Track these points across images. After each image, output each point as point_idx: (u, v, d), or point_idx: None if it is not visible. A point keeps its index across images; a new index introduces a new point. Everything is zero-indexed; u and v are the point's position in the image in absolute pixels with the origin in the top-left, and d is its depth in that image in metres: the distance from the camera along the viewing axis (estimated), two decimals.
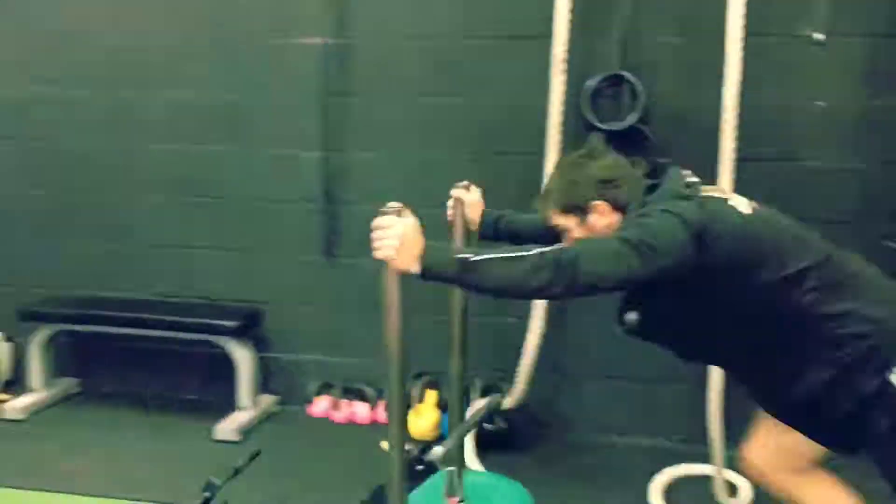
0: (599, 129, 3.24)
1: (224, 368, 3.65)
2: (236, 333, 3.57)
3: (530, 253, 1.65)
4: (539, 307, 3.07)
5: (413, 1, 3.53)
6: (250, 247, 3.81)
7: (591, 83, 3.27)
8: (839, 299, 1.77)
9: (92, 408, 3.86)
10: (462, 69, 3.52)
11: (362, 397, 3.76)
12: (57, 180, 3.94)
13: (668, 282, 1.73)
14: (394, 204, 1.64)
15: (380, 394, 3.73)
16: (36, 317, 3.76)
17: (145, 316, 3.66)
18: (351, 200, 3.68)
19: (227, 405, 3.65)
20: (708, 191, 1.88)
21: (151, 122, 3.82)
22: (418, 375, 3.68)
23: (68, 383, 3.98)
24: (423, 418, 3.53)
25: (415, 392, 3.61)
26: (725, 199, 1.88)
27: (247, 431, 3.55)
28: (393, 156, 3.63)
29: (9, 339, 3.98)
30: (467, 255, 1.64)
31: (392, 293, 1.62)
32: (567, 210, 1.89)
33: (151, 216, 3.88)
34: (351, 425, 3.71)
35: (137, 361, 3.97)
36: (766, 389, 1.97)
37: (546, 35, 3.03)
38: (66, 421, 3.71)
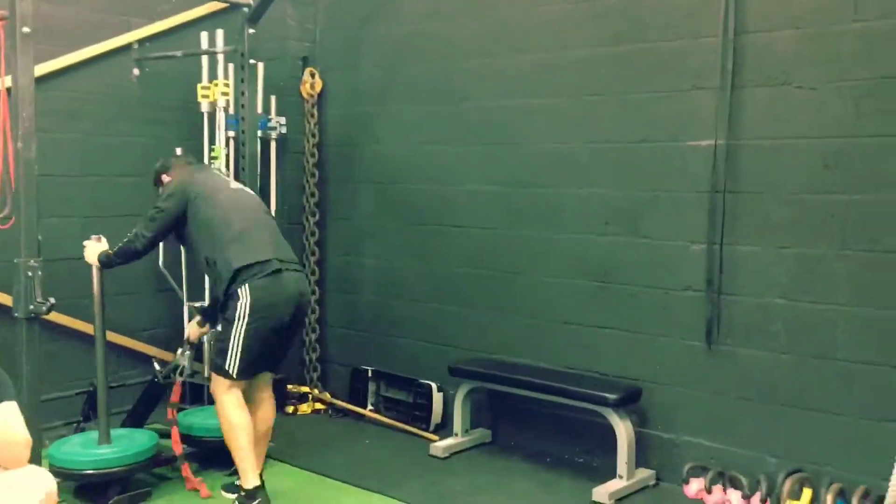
0: None
1: (609, 437, 4.02)
2: (616, 405, 3.93)
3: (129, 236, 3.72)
4: None
5: (803, 105, 3.63)
6: (637, 328, 4.15)
7: None
8: (228, 242, 3.56)
9: (498, 457, 4.49)
10: (850, 167, 3.52)
11: (736, 485, 3.82)
12: (491, 261, 4.73)
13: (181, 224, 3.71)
14: (95, 236, 3.89)
15: (755, 485, 3.76)
16: (460, 373, 4.54)
17: (543, 382, 4.21)
18: (734, 291, 3.85)
19: (608, 472, 4.01)
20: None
21: (564, 214, 4.41)
22: (794, 472, 3.64)
23: (483, 433, 4.70)
24: None
25: (788, 486, 3.58)
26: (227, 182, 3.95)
27: (619, 499, 3.87)
28: (777, 251, 3.72)
29: (440, 389, 4.85)
30: (111, 251, 3.76)
31: (96, 278, 3.87)
32: (155, 183, 4.04)
33: (559, 296, 4.46)
34: None
35: (537, 421, 4.54)
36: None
37: None
38: (476, 465, 4.40)
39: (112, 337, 4.74)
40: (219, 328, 3.57)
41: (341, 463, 4.32)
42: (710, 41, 3.83)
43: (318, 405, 5.31)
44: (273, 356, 3.74)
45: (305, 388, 5.41)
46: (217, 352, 3.57)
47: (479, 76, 4.71)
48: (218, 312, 3.71)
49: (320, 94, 5.42)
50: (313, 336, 5.47)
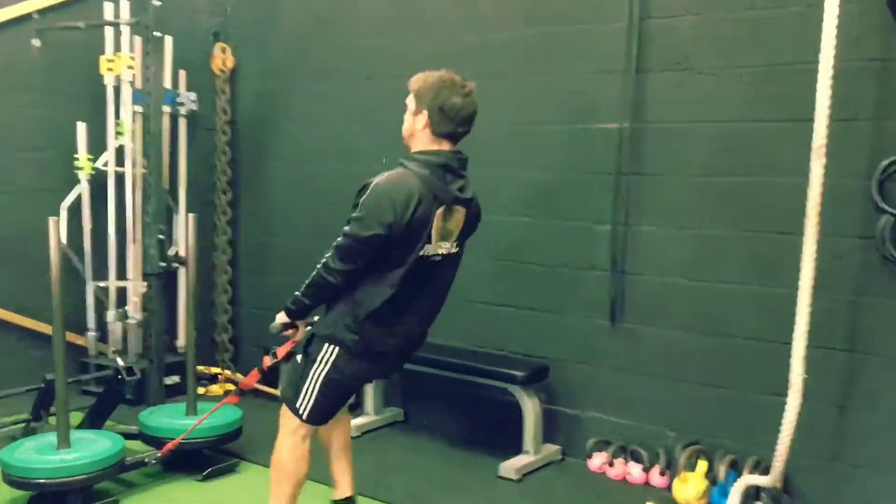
0: (887, 213, 3.18)
1: (518, 415, 4.09)
2: (524, 383, 4.00)
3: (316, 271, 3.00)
4: (796, 384, 3.05)
5: (703, 89, 3.72)
6: (545, 307, 4.23)
7: (884, 163, 3.22)
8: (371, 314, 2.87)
9: (410, 435, 4.53)
10: (747, 150, 3.64)
11: (637, 458, 3.94)
12: None
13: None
14: None
15: (655, 457, 3.89)
16: None
17: (453, 361, 4.24)
18: (637, 271, 3.96)
19: (515, 448, 4.09)
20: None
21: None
22: (691, 444, 3.78)
23: (395, 412, 4.73)
24: (690, 485, 3.61)
25: (683, 459, 3.71)
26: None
27: (526, 474, 3.95)
28: (678, 232, 3.83)
29: None
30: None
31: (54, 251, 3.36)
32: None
33: (468, 275, 4.47)
34: (623, 483, 3.91)
35: (448, 400, 4.59)
36: None
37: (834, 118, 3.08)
38: (387, 443, 4.42)
39: (8, 316, 4.61)
40: (298, 358, 2.99)
41: (249, 444, 4.27)
42: (616, 26, 3.90)
43: (229, 386, 5.25)
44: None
45: (216, 369, 5.34)
46: (291, 385, 2.99)
47: (385, 55, 4.67)
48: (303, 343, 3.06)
49: (233, 71, 5.31)
50: (225, 317, 5.40)
